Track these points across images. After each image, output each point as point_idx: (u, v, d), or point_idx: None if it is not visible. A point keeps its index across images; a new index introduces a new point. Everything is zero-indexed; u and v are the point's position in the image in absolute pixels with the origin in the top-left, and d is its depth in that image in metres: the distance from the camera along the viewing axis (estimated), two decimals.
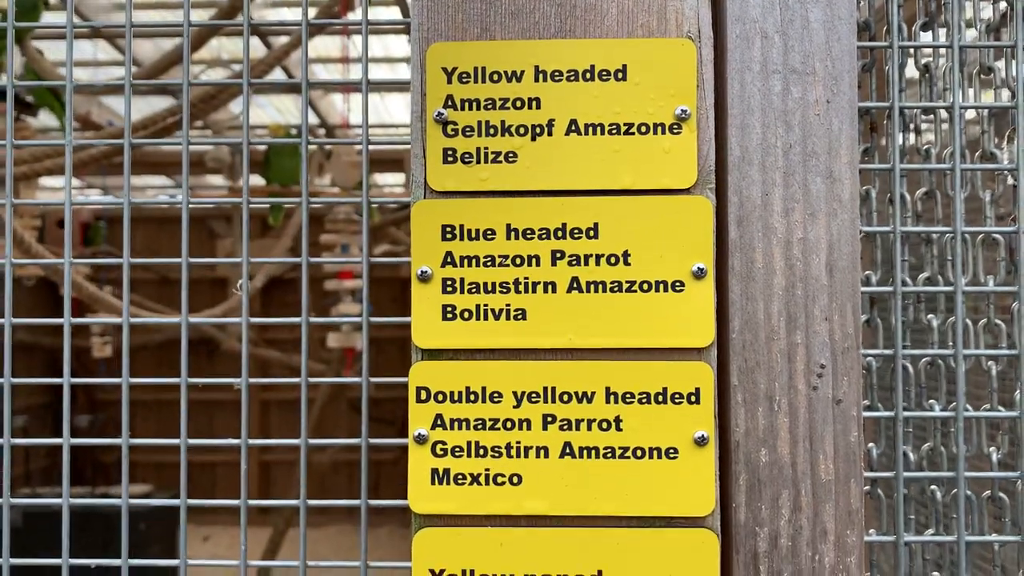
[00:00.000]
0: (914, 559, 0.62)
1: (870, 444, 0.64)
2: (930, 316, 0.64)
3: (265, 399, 5.89)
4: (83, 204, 1.00)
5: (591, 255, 0.50)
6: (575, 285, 0.50)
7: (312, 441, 0.64)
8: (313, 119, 4.39)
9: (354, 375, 4.40)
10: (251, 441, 0.65)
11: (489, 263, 0.50)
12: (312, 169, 3.78)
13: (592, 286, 0.50)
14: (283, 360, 4.93)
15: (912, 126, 0.67)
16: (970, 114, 0.68)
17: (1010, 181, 0.63)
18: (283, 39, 3.19)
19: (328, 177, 3.29)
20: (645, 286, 0.50)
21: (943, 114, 0.64)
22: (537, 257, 0.50)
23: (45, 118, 4.37)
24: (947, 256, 0.63)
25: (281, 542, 4.80)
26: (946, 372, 0.63)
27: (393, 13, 3.39)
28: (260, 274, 3.92)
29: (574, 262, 0.50)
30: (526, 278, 0.50)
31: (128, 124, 0.67)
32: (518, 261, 0.50)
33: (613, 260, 0.50)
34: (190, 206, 0.64)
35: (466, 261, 0.50)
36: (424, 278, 0.51)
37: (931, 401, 0.63)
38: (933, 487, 0.64)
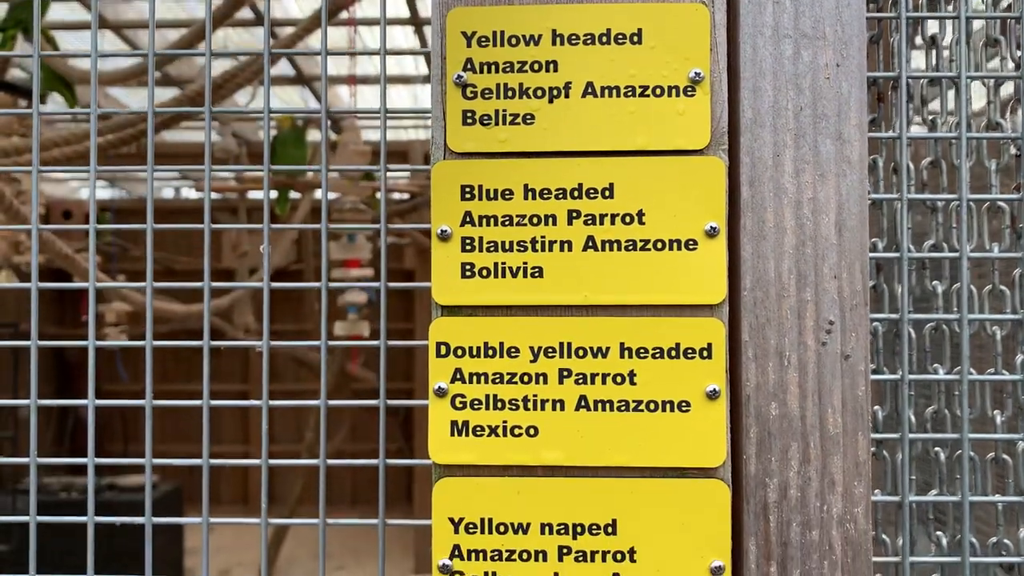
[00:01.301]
0: (915, 518, 0.64)
1: (876, 407, 0.66)
2: (935, 283, 0.65)
3: (273, 389, 5.91)
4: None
5: (606, 214, 0.51)
6: (591, 244, 0.51)
7: (331, 462, 0.65)
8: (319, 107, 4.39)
9: (359, 368, 4.42)
10: (271, 402, 0.66)
11: (507, 222, 0.52)
12: (317, 162, 3.80)
13: (607, 245, 0.51)
14: (287, 351, 4.96)
15: (919, 97, 0.68)
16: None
17: (1013, 151, 0.64)
18: (288, 29, 3.20)
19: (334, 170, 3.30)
20: (659, 244, 0.51)
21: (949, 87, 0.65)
22: (554, 216, 0.52)
23: (51, 107, 4.38)
24: (952, 224, 0.64)
25: (285, 535, 4.83)
26: (951, 337, 0.64)
27: (399, 5, 3.40)
28: (263, 268, 3.94)
29: (590, 221, 0.51)
30: (543, 237, 0.52)
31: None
32: (535, 220, 0.52)
33: (628, 219, 0.51)
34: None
35: (484, 220, 0.52)
36: (444, 237, 0.52)
37: (935, 365, 0.65)
38: (937, 449, 0.65)
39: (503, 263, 0.52)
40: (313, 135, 4.32)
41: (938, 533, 0.65)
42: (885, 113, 0.66)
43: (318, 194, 4.40)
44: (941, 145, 0.66)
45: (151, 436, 0.66)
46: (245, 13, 3.34)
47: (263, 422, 0.66)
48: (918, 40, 0.67)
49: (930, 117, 0.66)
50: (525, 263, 0.52)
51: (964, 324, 0.61)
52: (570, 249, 0.51)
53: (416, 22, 3.17)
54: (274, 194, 3.49)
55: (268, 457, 0.66)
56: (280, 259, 4.30)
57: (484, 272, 0.52)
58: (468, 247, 0.52)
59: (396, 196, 4.42)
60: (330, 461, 0.65)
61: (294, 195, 3.89)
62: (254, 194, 4.98)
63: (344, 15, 2.96)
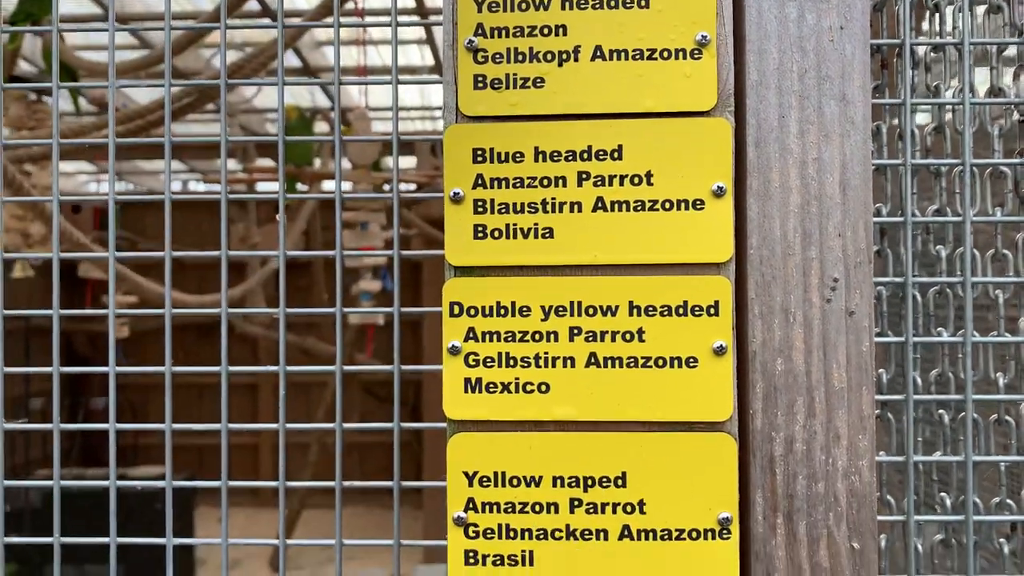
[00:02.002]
0: (921, 479, 0.65)
1: (880, 370, 0.67)
2: (939, 247, 0.66)
3: (279, 382, 5.95)
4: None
5: (615, 176, 0.53)
6: (600, 205, 0.53)
7: (347, 425, 0.66)
8: (326, 103, 4.42)
9: (372, 356, 4.44)
10: (288, 368, 0.68)
11: (518, 184, 0.53)
12: (325, 151, 3.81)
13: (616, 205, 0.53)
14: (297, 342, 4.98)
15: (923, 66, 0.69)
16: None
17: (1016, 116, 0.65)
18: (295, 19, 3.21)
19: (344, 159, 3.32)
20: (667, 205, 0.52)
21: (952, 53, 0.66)
22: (564, 178, 0.53)
23: (62, 103, 4.40)
24: (955, 189, 0.65)
25: (296, 521, 4.86)
26: (954, 301, 0.65)
27: None
28: (271, 260, 3.96)
29: (599, 183, 0.53)
30: (553, 198, 0.53)
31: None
32: (545, 182, 0.53)
33: (636, 180, 0.52)
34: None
35: (496, 183, 0.53)
36: (456, 199, 0.53)
37: (939, 329, 0.66)
38: (941, 411, 0.66)
39: (514, 224, 0.53)
40: (320, 127, 4.34)
41: (942, 494, 0.66)
42: (889, 80, 0.67)
43: (326, 185, 4.42)
44: (944, 112, 0.67)
45: (170, 403, 0.68)
46: (251, 5, 3.35)
47: (280, 387, 0.67)
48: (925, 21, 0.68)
49: (934, 84, 0.67)
50: (536, 224, 0.53)
51: (968, 287, 0.62)
52: (580, 210, 0.53)
53: (422, 11, 3.18)
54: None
55: (285, 422, 0.67)
56: (290, 250, 4.31)
57: (496, 233, 0.53)
58: (480, 209, 0.53)
59: (403, 187, 4.43)
60: (346, 425, 0.66)
61: (301, 186, 3.91)
62: (262, 186, 5.00)
63: (351, 5, 2.97)
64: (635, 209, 0.52)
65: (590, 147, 0.52)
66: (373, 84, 0.81)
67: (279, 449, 0.67)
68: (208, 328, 5.92)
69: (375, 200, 2.78)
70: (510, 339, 0.53)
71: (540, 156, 0.53)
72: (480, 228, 0.53)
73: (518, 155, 0.53)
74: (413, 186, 4.17)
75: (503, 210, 0.53)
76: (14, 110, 2.89)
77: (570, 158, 0.53)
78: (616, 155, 0.52)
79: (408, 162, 5.11)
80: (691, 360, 0.52)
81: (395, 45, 0.65)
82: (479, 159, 0.53)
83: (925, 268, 0.68)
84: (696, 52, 0.52)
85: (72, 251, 3.04)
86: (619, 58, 0.52)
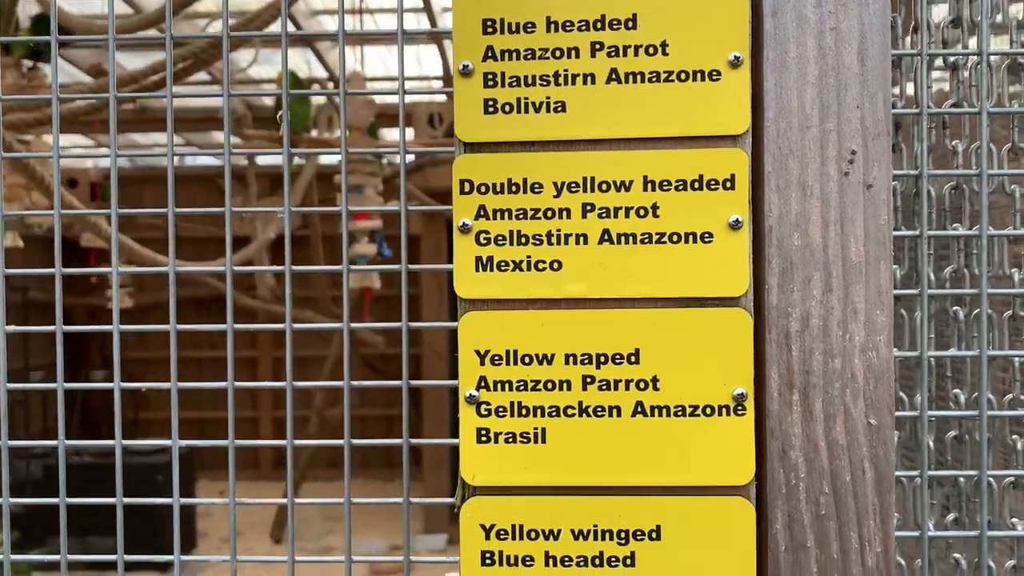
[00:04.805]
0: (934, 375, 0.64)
1: (894, 266, 0.66)
2: (955, 142, 0.65)
3: (279, 358, 5.95)
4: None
5: (630, 46, 0.51)
6: (614, 76, 0.51)
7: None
8: (323, 72, 4.38)
9: (371, 318, 4.42)
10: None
11: (529, 56, 0.52)
12: (323, 121, 3.78)
13: (631, 77, 0.51)
14: (297, 316, 4.97)
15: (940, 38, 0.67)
16: None
17: None
18: None
19: (339, 130, 3.29)
20: (683, 76, 0.51)
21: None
22: (576, 49, 0.52)
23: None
24: (972, 82, 0.64)
25: (297, 493, 4.88)
26: (969, 196, 0.64)
27: None
28: (272, 228, 3.94)
29: (613, 53, 0.51)
30: (565, 70, 0.52)
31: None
32: (557, 54, 0.52)
33: (651, 51, 0.51)
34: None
35: (507, 55, 0.52)
36: (466, 72, 0.52)
37: (955, 224, 0.65)
38: (956, 308, 0.66)
39: (525, 98, 0.52)
40: (316, 98, 4.30)
41: (956, 391, 0.65)
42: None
43: (322, 158, 4.39)
44: (962, 4, 0.66)
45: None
46: None
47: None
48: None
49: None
50: (548, 98, 0.52)
51: (984, 180, 0.61)
52: (593, 82, 0.52)
53: None
54: (279, 159, 3.47)
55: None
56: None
57: (507, 108, 0.52)
58: (490, 82, 0.52)
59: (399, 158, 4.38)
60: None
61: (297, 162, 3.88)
62: (261, 160, 4.96)
63: None
64: (650, 80, 0.51)
65: (603, 16, 0.51)
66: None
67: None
68: (208, 303, 5.90)
69: (371, 164, 2.76)
70: (521, 216, 0.52)
71: (552, 26, 0.51)
72: (490, 102, 0.52)
73: (529, 25, 0.52)
74: (411, 157, 4.14)
75: (514, 83, 0.52)
76: (10, 77, 2.86)
77: (583, 28, 0.51)
78: (630, 24, 0.51)
79: (407, 133, 5.08)
80: (706, 235, 0.51)
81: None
82: (489, 30, 0.52)
83: (939, 164, 0.67)
84: None
85: (73, 223, 3.01)
86: None
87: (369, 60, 4.27)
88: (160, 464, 4.30)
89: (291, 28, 4.21)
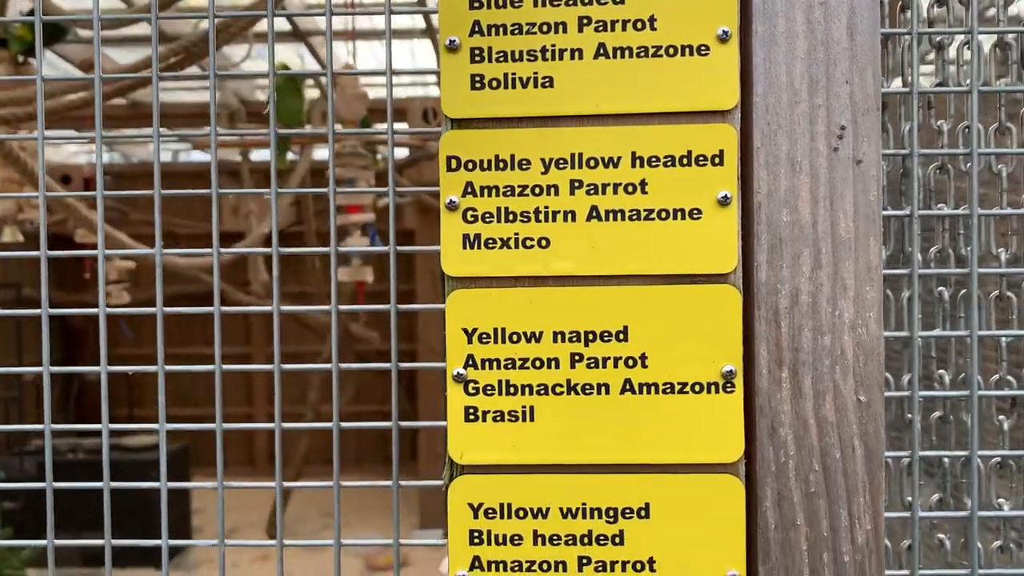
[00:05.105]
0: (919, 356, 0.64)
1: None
2: (941, 122, 0.65)
3: (271, 352, 5.94)
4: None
5: (617, 20, 0.51)
6: (602, 51, 0.51)
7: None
8: (315, 66, 4.36)
9: (360, 321, 4.41)
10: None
11: (516, 31, 0.51)
12: (316, 115, 3.77)
13: (619, 52, 0.51)
14: (290, 312, 4.95)
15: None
16: None
17: None
18: None
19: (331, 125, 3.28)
20: (671, 50, 0.51)
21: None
22: (564, 24, 0.51)
23: (47, 69, 4.34)
24: (961, 62, 0.64)
25: (292, 490, 4.87)
26: (955, 177, 0.64)
27: None
28: (266, 223, 3.92)
29: (600, 28, 0.51)
30: (553, 45, 0.51)
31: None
32: (545, 28, 0.51)
33: (639, 25, 0.51)
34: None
35: (493, 30, 0.51)
36: (452, 48, 0.52)
37: (940, 204, 0.65)
38: (941, 288, 0.65)
39: (513, 73, 0.51)
40: (310, 92, 4.29)
41: (940, 371, 0.65)
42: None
43: (316, 154, 4.37)
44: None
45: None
46: None
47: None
48: None
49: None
50: (535, 73, 0.51)
51: (975, 158, 0.61)
52: (580, 57, 0.51)
53: None
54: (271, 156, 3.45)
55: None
56: (280, 221, 4.28)
57: (494, 83, 0.52)
58: (477, 58, 0.52)
59: (395, 152, 4.38)
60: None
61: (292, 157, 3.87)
62: (256, 156, 4.94)
63: None
64: (638, 56, 0.51)
65: None
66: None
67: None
68: (201, 299, 5.89)
69: (363, 158, 2.75)
70: (509, 193, 0.52)
71: (539, 0, 0.51)
72: (477, 78, 0.52)
73: (516, 0, 0.51)
74: (406, 151, 4.13)
75: (501, 58, 0.51)
76: (3, 71, 2.84)
77: (570, 2, 0.51)
78: None
79: (399, 127, 5.07)
80: (695, 212, 0.51)
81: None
82: (475, 5, 0.51)
83: (925, 145, 0.67)
84: None
85: (66, 219, 2.98)
86: None
87: (361, 54, 4.25)
88: (154, 460, 4.29)
89: (285, 24, 4.19)
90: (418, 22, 4.23)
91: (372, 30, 4.36)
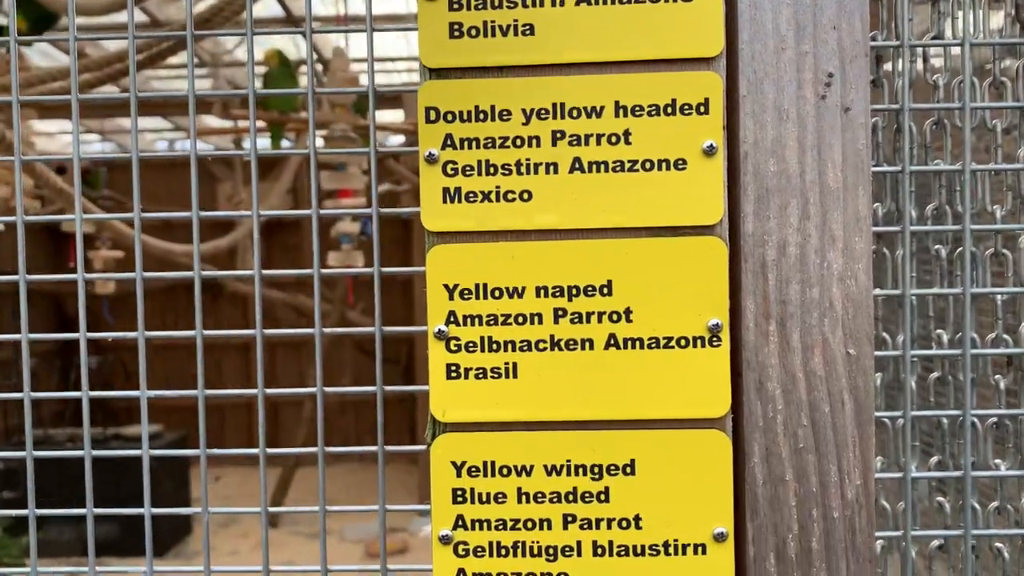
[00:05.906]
0: (914, 313, 0.63)
1: (876, 204, 0.65)
2: (936, 76, 0.64)
3: (271, 341, 5.93)
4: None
5: None
6: None
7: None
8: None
9: (356, 310, 4.40)
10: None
11: None
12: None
13: (600, 0, 0.50)
14: (287, 300, 4.95)
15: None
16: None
17: None
18: None
19: (326, 110, 3.26)
20: None
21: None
22: None
23: (40, 60, 4.31)
24: (954, 14, 0.63)
25: (291, 480, 4.87)
26: (951, 132, 0.63)
27: None
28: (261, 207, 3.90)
29: None
30: None
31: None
32: None
33: None
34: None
35: None
36: None
37: (937, 160, 0.64)
38: (937, 246, 0.64)
39: (492, 21, 0.50)
40: (304, 79, 4.26)
41: (939, 331, 0.64)
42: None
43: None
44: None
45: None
46: None
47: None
48: None
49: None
50: (515, 20, 0.50)
51: (967, 113, 0.60)
52: (562, 4, 0.50)
53: None
54: (267, 145, 3.43)
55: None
56: (277, 208, 4.27)
57: (473, 32, 0.50)
58: (455, 5, 0.50)
59: (391, 139, 4.35)
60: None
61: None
62: (248, 144, 4.91)
63: None
64: (621, 2, 0.50)
65: None
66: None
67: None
68: (194, 285, 5.86)
69: (355, 142, 2.73)
70: (490, 145, 0.51)
71: None
72: (456, 26, 0.50)
73: None
74: (401, 138, 4.11)
75: (480, 6, 0.50)
76: None
77: None
78: None
79: (395, 115, 5.05)
80: (680, 162, 0.50)
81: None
82: None
83: (920, 100, 0.66)
84: None
85: (61, 208, 2.96)
86: None
87: (354, 40, 4.22)
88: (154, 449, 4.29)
89: (278, 9, 4.16)
90: (411, 7, 4.20)
91: (363, 15, 4.33)
